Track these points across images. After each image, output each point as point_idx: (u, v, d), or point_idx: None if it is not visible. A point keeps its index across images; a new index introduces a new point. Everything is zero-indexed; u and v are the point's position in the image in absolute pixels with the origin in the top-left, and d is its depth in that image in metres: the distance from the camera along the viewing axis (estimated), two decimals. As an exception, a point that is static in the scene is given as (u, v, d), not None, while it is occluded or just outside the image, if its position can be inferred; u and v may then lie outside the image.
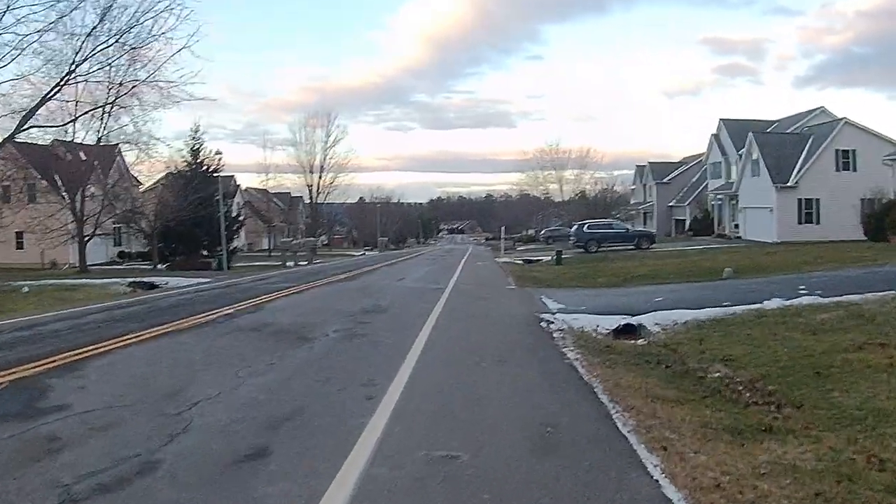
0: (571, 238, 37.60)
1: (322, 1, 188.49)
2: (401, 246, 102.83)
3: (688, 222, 53.94)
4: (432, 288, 17.64)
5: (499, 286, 19.03)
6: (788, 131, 39.74)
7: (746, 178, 38.68)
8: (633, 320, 10.69)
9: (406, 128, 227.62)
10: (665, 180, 60.16)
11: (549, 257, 32.37)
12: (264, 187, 76.69)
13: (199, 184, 35.53)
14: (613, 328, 10.30)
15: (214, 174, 39.38)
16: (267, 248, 76.54)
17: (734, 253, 26.58)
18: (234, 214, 41.44)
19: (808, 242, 29.68)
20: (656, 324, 10.26)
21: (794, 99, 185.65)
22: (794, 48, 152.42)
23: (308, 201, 72.58)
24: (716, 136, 46.06)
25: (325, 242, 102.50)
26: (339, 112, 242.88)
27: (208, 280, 23.41)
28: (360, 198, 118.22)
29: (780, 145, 37.04)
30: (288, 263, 35.70)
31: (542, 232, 65.52)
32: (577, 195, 71.57)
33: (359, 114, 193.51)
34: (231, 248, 38.45)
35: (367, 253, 62.46)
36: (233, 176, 68.95)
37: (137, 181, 39.18)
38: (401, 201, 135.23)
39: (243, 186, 76.42)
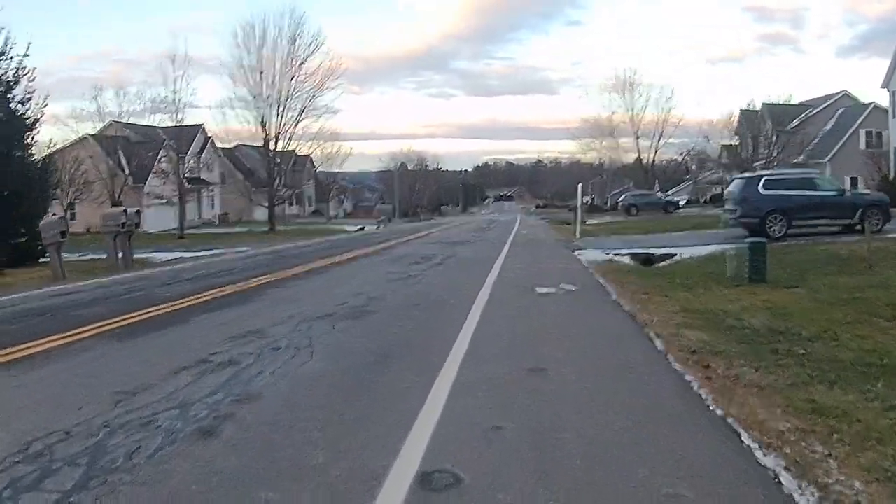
0: (734, 207, 16.99)
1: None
2: (431, 215, 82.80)
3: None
4: None
5: None
6: None
7: None
8: None
9: (448, 94, 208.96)
10: (790, 128, 39.27)
11: (684, 246, 15.50)
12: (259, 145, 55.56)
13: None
14: None
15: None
16: (265, 219, 55.52)
17: None
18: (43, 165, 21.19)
19: None
20: None
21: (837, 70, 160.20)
22: (838, 16, 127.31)
23: (269, 148, 43.01)
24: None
25: (348, 211, 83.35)
26: (380, 79, 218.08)
27: None
28: (402, 163, 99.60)
29: None
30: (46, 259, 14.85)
31: (622, 198, 49.85)
32: (637, 160, 58.87)
33: (399, 80, 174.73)
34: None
35: (366, 227, 42.80)
36: (201, 124, 50.20)
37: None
38: (439, 167, 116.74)
39: (230, 143, 56.90)
